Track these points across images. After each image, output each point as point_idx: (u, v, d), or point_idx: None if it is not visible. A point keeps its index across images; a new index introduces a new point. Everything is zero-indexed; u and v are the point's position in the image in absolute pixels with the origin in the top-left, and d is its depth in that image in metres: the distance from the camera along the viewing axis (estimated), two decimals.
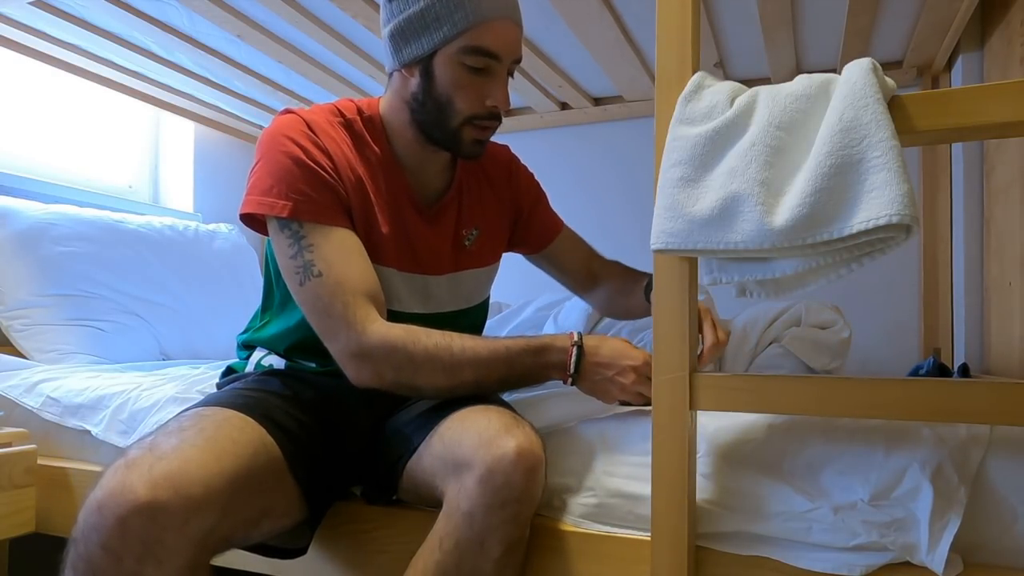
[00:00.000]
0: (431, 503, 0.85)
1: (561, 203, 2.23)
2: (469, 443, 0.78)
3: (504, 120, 0.99)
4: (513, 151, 1.19)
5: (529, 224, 1.18)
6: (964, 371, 1.43)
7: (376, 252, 0.94)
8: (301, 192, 0.87)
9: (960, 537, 0.72)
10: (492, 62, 0.90)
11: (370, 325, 0.85)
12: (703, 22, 1.58)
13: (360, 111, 0.98)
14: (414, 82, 0.92)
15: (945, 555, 0.71)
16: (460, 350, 0.85)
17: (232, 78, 1.91)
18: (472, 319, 1.11)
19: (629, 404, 0.90)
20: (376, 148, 0.97)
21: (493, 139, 1.08)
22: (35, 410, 1.25)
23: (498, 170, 1.13)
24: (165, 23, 1.60)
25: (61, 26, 1.58)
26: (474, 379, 0.86)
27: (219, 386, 1.03)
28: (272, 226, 0.89)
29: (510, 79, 0.96)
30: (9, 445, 1.12)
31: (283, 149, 0.88)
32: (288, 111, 0.93)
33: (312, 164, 0.88)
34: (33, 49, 1.69)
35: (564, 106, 2.11)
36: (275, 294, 1.02)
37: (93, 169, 2.03)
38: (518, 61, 0.94)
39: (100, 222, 1.66)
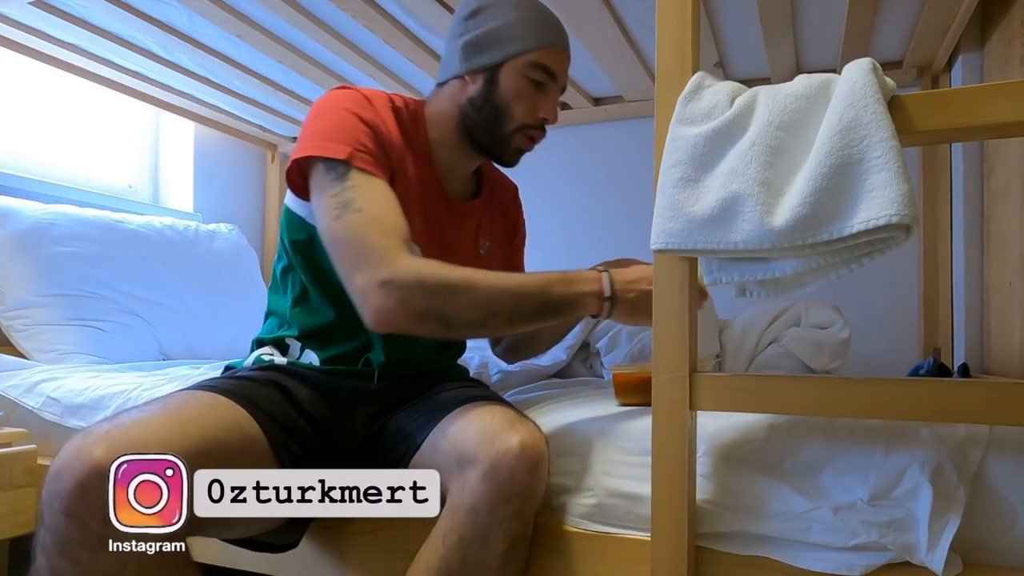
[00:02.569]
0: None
1: (560, 203, 2.25)
2: (473, 439, 0.78)
3: None
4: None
5: (510, 257, 1.23)
6: (964, 371, 1.43)
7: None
8: (359, 142, 0.89)
9: (960, 537, 0.72)
10: (549, 80, 1.01)
11: (403, 257, 0.83)
12: (703, 22, 1.58)
13: (406, 103, 1.03)
14: (474, 88, 1.00)
15: (945, 555, 0.71)
16: (495, 279, 0.85)
17: (232, 78, 1.91)
18: None
19: None
20: (414, 138, 1.01)
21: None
22: (35, 410, 1.25)
23: (508, 200, 1.22)
24: (165, 23, 1.60)
25: (61, 26, 1.58)
26: (508, 310, 0.84)
27: None
28: (318, 171, 0.89)
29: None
30: (9, 445, 1.12)
31: (345, 106, 0.92)
32: (344, 86, 0.98)
33: (369, 127, 0.91)
34: (33, 49, 1.69)
35: (564, 106, 2.11)
36: (292, 283, 1.01)
37: (93, 169, 2.03)
38: (564, 89, 1.06)
39: (100, 222, 1.66)
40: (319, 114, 0.92)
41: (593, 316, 0.90)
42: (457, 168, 1.07)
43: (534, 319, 0.87)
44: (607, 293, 0.88)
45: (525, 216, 1.26)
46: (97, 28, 1.61)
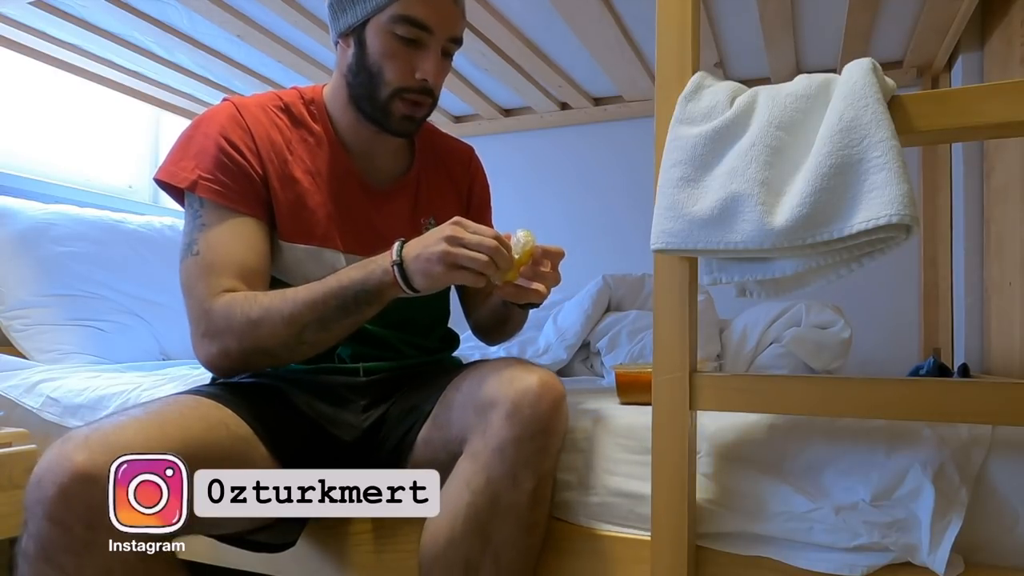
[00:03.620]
0: (447, 466, 0.81)
1: (562, 203, 2.25)
2: (490, 385, 0.78)
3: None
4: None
5: None
6: (964, 371, 1.43)
7: (313, 233, 0.92)
8: (209, 171, 0.87)
9: (961, 537, 0.72)
10: (423, 34, 0.89)
11: (217, 305, 0.82)
12: (703, 22, 1.58)
13: (301, 96, 0.98)
14: (350, 53, 0.92)
15: (946, 556, 0.71)
16: (294, 294, 0.82)
17: (232, 78, 1.91)
18: (433, 311, 1.06)
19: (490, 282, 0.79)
20: (317, 128, 0.96)
21: (464, 139, 1.09)
22: (35, 410, 1.25)
23: (458, 165, 1.12)
24: (165, 23, 1.60)
25: (61, 26, 1.58)
26: (316, 318, 0.81)
27: None
28: (186, 200, 0.91)
29: (448, 60, 0.95)
30: (9, 445, 1.12)
31: (205, 129, 0.90)
32: (227, 98, 0.95)
33: (228, 147, 0.88)
34: (33, 49, 1.69)
35: (564, 106, 2.11)
36: None
37: (93, 169, 2.04)
38: (456, 41, 0.93)
39: (100, 222, 1.67)
40: (183, 135, 0.91)
41: (397, 286, 0.80)
42: (373, 147, 0.99)
43: (347, 314, 0.81)
44: (395, 257, 0.79)
45: (489, 180, 1.16)
46: (97, 28, 1.61)
